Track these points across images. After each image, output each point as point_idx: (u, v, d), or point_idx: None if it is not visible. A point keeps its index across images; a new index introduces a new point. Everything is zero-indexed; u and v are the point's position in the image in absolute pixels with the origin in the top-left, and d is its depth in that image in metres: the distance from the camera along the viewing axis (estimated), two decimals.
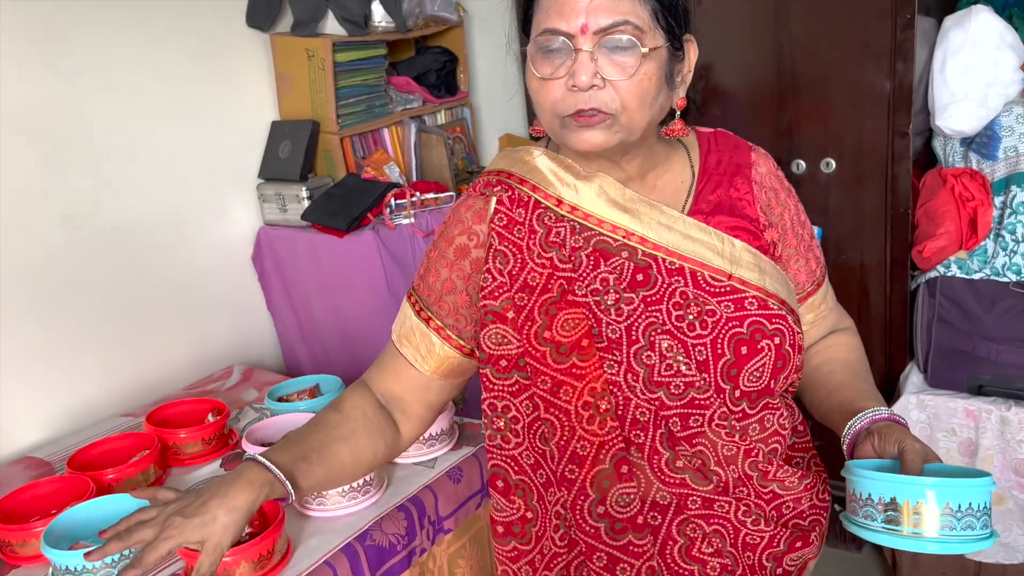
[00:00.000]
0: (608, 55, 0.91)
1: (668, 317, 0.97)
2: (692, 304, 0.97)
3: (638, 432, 0.98)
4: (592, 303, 0.97)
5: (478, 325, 1.01)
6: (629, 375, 0.96)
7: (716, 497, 1.00)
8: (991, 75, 2.07)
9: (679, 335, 0.97)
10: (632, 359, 0.96)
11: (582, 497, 0.99)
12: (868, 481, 0.84)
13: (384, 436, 1.08)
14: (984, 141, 2.13)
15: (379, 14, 2.19)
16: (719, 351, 0.97)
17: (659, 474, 0.99)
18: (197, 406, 1.69)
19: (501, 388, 1.00)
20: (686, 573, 1.01)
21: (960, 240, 2.12)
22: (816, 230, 2.37)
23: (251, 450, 1.47)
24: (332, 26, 2.11)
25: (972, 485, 0.81)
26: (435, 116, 2.42)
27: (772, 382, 0.99)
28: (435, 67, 2.40)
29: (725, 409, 0.98)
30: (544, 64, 0.92)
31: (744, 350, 0.97)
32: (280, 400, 1.68)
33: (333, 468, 1.04)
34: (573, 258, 0.98)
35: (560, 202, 1.00)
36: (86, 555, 0.93)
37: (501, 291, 0.99)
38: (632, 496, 0.99)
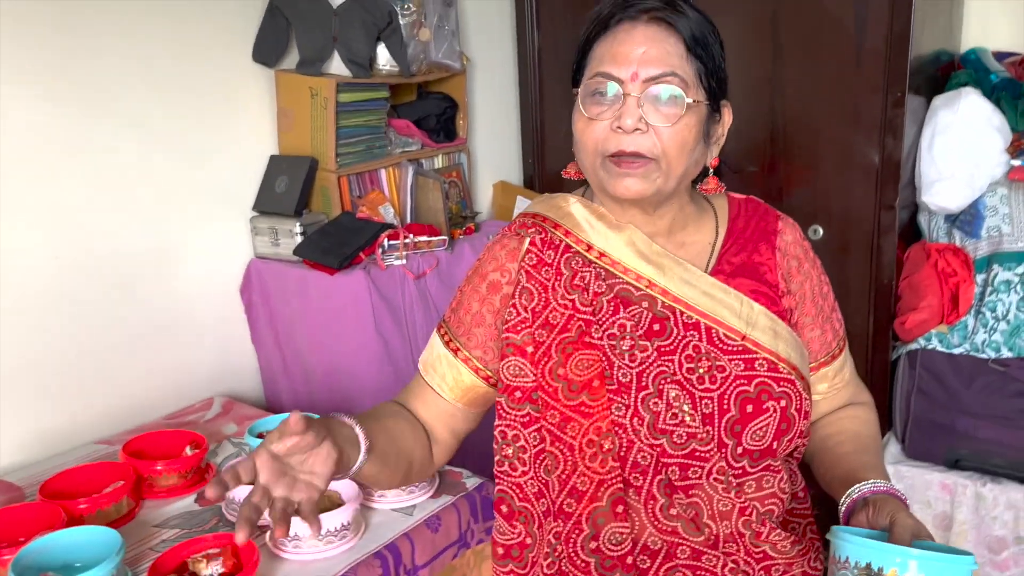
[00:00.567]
0: (654, 103, 0.98)
1: (679, 368, 1.02)
2: (704, 358, 1.02)
3: (637, 475, 1.01)
4: (607, 346, 1.02)
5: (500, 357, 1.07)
6: (635, 419, 1.00)
7: (705, 550, 1.02)
8: (978, 156, 2.13)
9: (687, 386, 1.01)
10: (639, 404, 1.00)
11: (577, 531, 1.03)
12: (847, 544, 0.85)
13: (425, 443, 1.13)
14: (968, 219, 2.18)
15: (384, 57, 2.22)
16: (725, 407, 1.01)
17: (653, 519, 1.02)
18: (174, 438, 1.67)
19: (513, 418, 1.04)
20: None
21: (942, 314, 2.16)
22: None
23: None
24: (337, 66, 2.13)
25: (952, 561, 0.81)
26: (432, 160, 2.44)
27: (775, 443, 1.02)
28: (435, 112, 2.43)
29: (724, 464, 1.00)
30: (592, 105, 1.00)
31: (749, 408, 1.01)
32: (260, 436, 1.66)
33: (396, 444, 1.06)
34: (594, 302, 1.04)
35: (590, 247, 1.06)
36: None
37: (523, 326, 1.04)
38: (624, 536, 1.02)
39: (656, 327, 1.03)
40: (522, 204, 2.68)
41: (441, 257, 2.16)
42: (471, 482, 1.56)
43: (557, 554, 1.04)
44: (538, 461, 1.04)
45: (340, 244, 2.03)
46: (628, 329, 1.02)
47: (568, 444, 1.01)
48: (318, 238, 2.06)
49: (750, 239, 1.12)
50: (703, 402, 1.00)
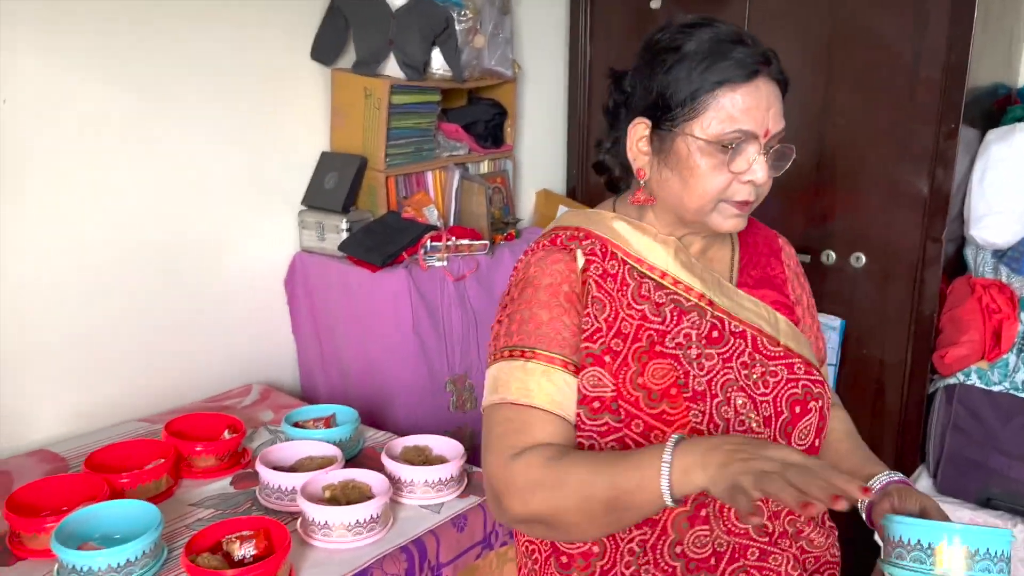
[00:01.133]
0: (773, 157, 1.04)
1: (739, 375, 1.07)
2: (757, 364, 1.08)
3: None
4: (680, 355, 1.05)
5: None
6: (711, 425, 1.04)
7: (770, 549, 1.08)
8: None
9: (750, 392, 1.07)
10: (714, 411, 1.04)
11: (663, 537, 1.05)
12: (900, 526, 0.93)
13: None
14: (1016, 256, 2.15)
15: (438, 62, 2.26)
16: (779, 409, 1.07)
17: (727, 522, 1.06)
18: (214, 421, 1.72)
19: (591, 428, 1.04)
20: None
21: (983, 350, 2.13)
22: (839, 321, 2.39)
23: (264, 472, 1.50)
24: (392, 68, 2.17)
25: (994, 533, 0.90)
26: (478, 165, 2.47)
27: (816, 440, 1.10)
28: (484, 118, 2.47)
29: None
30: (718, 153, 1.02)
31: (798, 409, 1.08)
32: (296, 425, 1.70)
33: None
34: (660, 312, 1.07)
35: (640, 260, 1.10)
36: None
37: (599, 335, 1.05)
38: (706, 539, 1.06)
39: (714, 334, 1.08)
40: (563, 212, 2.71)
41: (481, 261, 2.19)
42: None
43: (640, 561, 1.06)
44: None
45: (384, 243, 2.07)
46: (693, 338, 1.06)
47: None
48: (363, 235, 2.11)
49: (762, 254, 1.21)
50: (762, 406, 1.06)
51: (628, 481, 0.90)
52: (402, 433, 1.89)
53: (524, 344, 1.04)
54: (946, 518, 0.98)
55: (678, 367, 1.04)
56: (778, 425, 1.07)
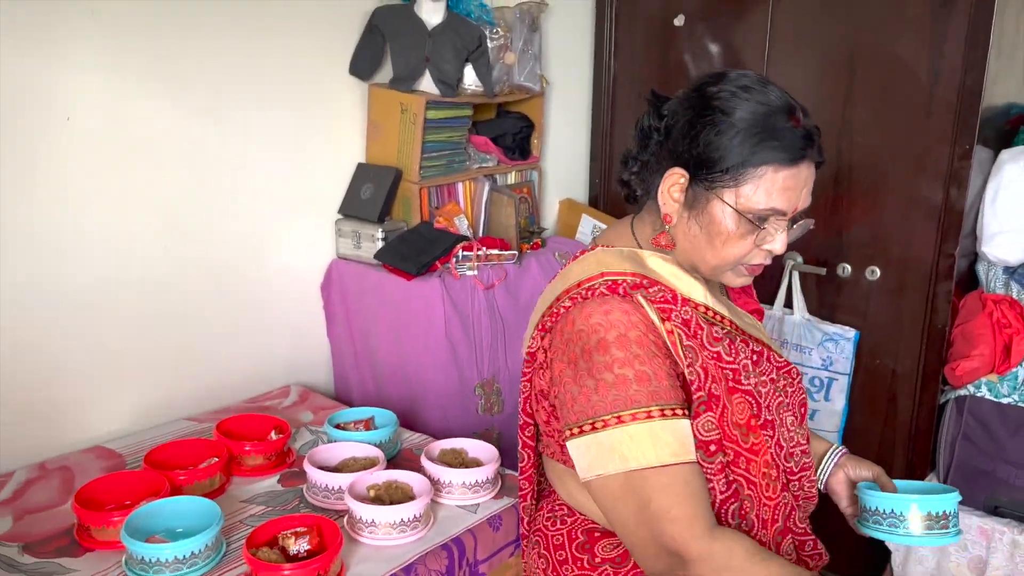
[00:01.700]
0: (793, 229, 1.14)
1: (779, 394, 1.18)
2: (780, 379, 1.19)
3: (786, 494, 1.17)
4: (752, 390, 1.13)
5: (690, 413, 1.09)
6: (777, 447, 1.16)
7: (812, 539, 1.23)
8: None
9: (790, 408, 1.19)
10: (779, 433, 1.16)
11: None
12: (874, 498, 1.19)
13: None
14: None
15: (470, 78, 2.34)
16: (796, 414, 1.21)
17: (795, 526, 1.20)
18: (260, 421, 1.81)
19: (708, 471, 1.10)
20: None
21: (993, 364, 2.20)
22: (854, 333, 2.46)
23: (311, 472, 1.59)
24: (427, 84, 2.26)
25: (944, 498, 1.17)
26: (506, 176, 2.56)
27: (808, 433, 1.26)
28: (513, 131, 2.55)
29: (808, 463, 1.22)
30: (748, 224, 1.09)
31: (803, 410, 1.23)
32: (338, 427, 1.79)
33: None
34: (728, 350, 1.13)
35: (687, 299, 1.14)
36: None
37: (701, 382, 1.09)
38: (792, 547, 1.18)
39: (755, 359, 1.16)
40: (587, 222, 2.79)
41: (509, 270, 2.27)
42: None
43: None
44: (724, 508, 1.12)
45: (418, 252, 2.16)
46: (750, 368, 1.15)
47: (753, 482, 1.13)
48: (397, 244, 2.20)
49: None
50: (795, 415, 1.20)
51: None
52: (434, 434, 1.99)
53: (624, 408, 1.04)
54: (893, 484, 1.23)
55: (751, 400, 1.13)
56: (800, 430, 1.22)
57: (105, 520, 1.42)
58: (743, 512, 1.13)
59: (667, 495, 1.03)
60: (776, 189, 1.06)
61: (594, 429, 1.06)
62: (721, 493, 1.11)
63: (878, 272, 2.40)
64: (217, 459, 1.62)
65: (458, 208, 2.37)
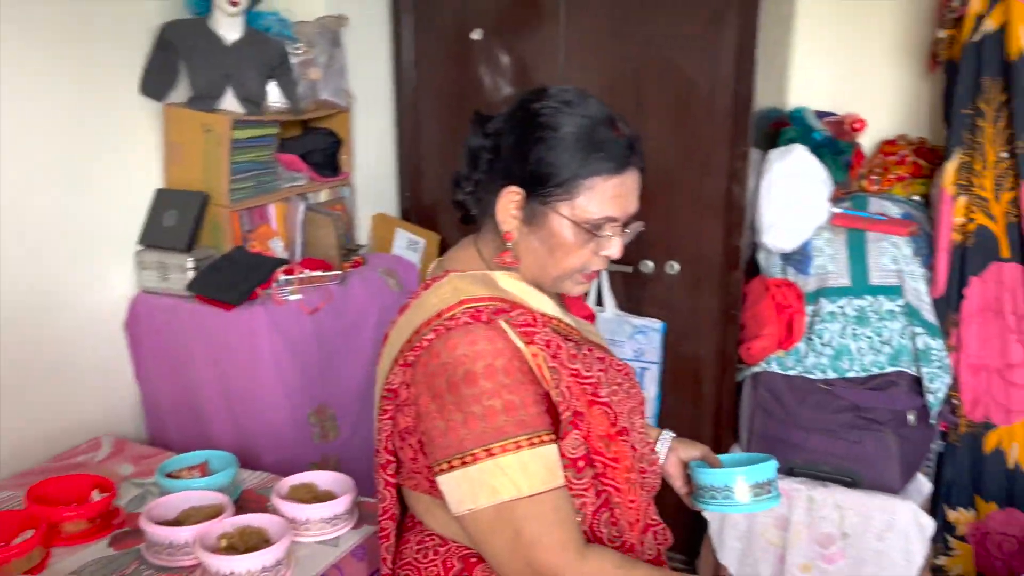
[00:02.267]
0: (626, 233, 1.20)
1: (628, 396, 1.22)
2: (623, 381, 1.24)
3: (643, 493, 1.21)
4: (608, 401, 1.16)
5: (559, 434, 1.11)
6: (633, 451, 1.19)
7: (661, 525, 1.28)
8: (806, 204, 2.46)
9: (636, 409, 1.23)
10: (632, 439, 1.19)
11: (633, 553, 1.19)
12: (705, 475, 1.29)
13: None
14: (799, 258, 2.52)
15: (275, 95, 2.26)
16: (640, 413, 1.26)
17: (650, 523, 1.24)
18: (76, 481, 1.64)
19: (577, 487, 1.13)
20: None
21: (779, 341, 2.47)
22: (660, 324, 2.66)
23: (150, 530, 1.46)
24: (230, 102, 2.15)
25: (763, 468, 1.28)
26: (317, 194, 2.49)
27: None
28: (321, 147, 2.49)
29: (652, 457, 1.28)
30: (584, 234, 1.14)
31: (643, 408, 1.28)
32: (170, 476, 1.66)
33: None
34: (587, 365, 1.16)
35: (544, 315, 1.17)
36: None
37: (566, 402, 1.12)
38: (651, 541, 1.22)
39: (602, 365, 1.20)
40: (401, 235, 2.78)
41: (334, 291, 2.22)
42: None
43: None
44: (596, 518, 1.15)
45: (236, 279, 2.05)
46: (603, 380, 1.18)
47: (620, 490, 1.16)
48: (212, 273, 2.07)
49: None
50: (640, 415, 1.25)
51: None
52: (270, 470, 1.90)
53: (494, 440, 1.05)
54: (719, 460, 1.33)
55: (609, 411, 1.16)
56: (645, 424, 1.28)
57: None
58: (614, 519, 1.17)
59: (538, 523, 1.05)
60: (607, 198, 1.13)
61: (464, 464, 1.06)
62: (592, 505, 1.15)
63: (677, 267, 2.60)
64: (33, 531, 1.45)
65: (272, 231, 2.27)
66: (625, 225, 1.18)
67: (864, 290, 2.39)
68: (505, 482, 1.04)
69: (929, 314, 2.34)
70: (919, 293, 2.36)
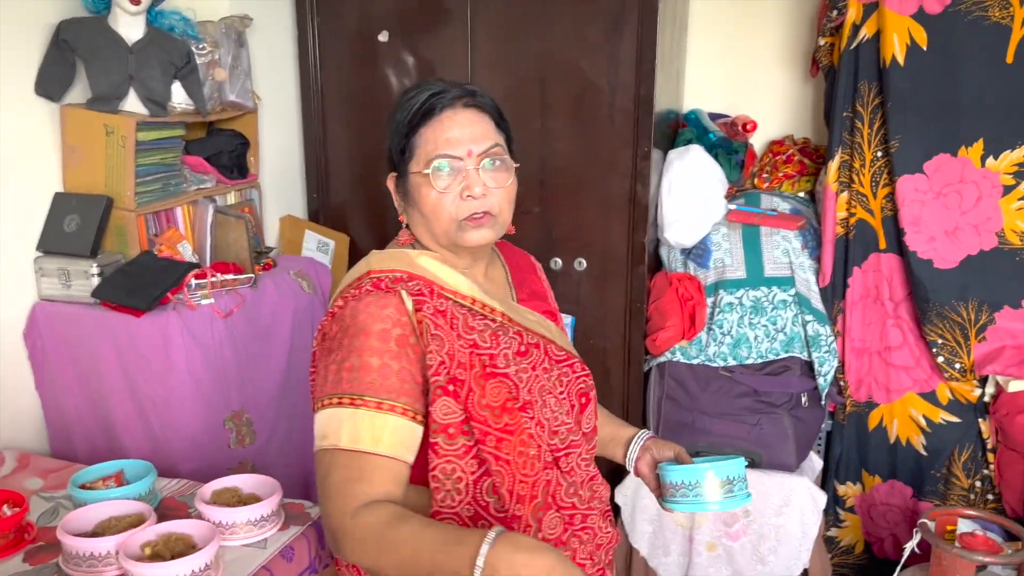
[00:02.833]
0: (488, 171, 1.21)
1: (545, 380, 1.25)
2: (553, 369, 1.27)
3: (548, 471, 1.22)
4: (509, 373, 1.20)
5: (428, 399, 1.15)
6: (538, 427, 1.21)
7: (587, 512, 1.29)
8: (704, 201, 2.60)
9: (554, 393, 1.25)
10: (539, 415, 1.21)
11: (527, 529, 1.20)
12: (674, 472, 1.26)
13: None
14: (699, 253, 2.65)
15: (180, 96, 2.21)
16: (572, 403, 1.29)
17: (560, 500, 1.25)
18: None
19: (450, 453, 1.16)
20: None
21: (683, 332, 2.60)
22: (571, 319, 2.74)
23: (68, 542, 1.43)
24: (133, 104, 2.10)
25: (733, 464, 1.25)
26: (225, 196, 2.45)
27: (596, 422, 1.35)
28: (228, 149, 2.45)
29: (583, 446, 1.29)
30: (439, 181, 1.19)
31: (584, 400, 1.31)
32: (83, 488, 1.62)
33: None
34: (485, 338, 1.21)
35: (456, 292, 1.23)
36: None
37: (443, 368, 1.16)
38: (557, 521, 1.24)
39: (522, 349, 1.24)
40: (311, 237, 2.77)
41: (246, 295, 2.19)
42: (314, 512, 1.66)
43: None
44: (477, 486, 1.18)
45: (146, 284, 2.00)
46: (510, 356, 1.22)
47: (506, 460, 1.18)
48: (119, 278, 2.02)
49: (524, 271, 1.42)
50: (563, 403, 1.26)
51: (445, 565, 0.98)
52: (186, 477, 1.87)
53: (353, 392, 1.11)
54: (691, 460, 1.32)
55: (509, 383, 1.20)
56: (575, 416, 1.29)
57: None
58: (496, 489, 1.20)
59: (341, 476, 1.08)
60: (439, 140, 1.19)
61: (322, 406, 1.13)
62: (472, 473, 1.17)
63: (584, 263, 2.69)
64: None
65: (180, 234, 2.23)
66: (482, 163, 1.21)
67: (759, 281, 2.54)
68: (344, 431, 1.10)
69: (818, 302, 2.51)
70: (808, 283, 2.53)
